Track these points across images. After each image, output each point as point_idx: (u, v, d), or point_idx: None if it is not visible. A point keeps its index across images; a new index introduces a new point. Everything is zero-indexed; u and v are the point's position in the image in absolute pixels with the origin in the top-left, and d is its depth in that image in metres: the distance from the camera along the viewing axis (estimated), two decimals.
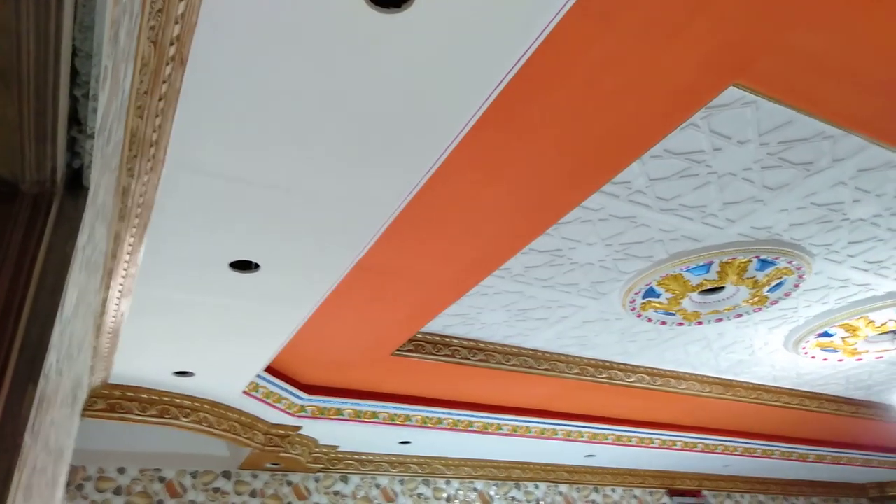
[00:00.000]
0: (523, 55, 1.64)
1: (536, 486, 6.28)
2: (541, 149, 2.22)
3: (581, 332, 4.17)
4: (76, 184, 0.89)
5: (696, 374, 5.05)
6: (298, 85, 1.60)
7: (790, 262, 3.39)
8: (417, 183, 2.04)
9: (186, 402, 3.74)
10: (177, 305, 2.68)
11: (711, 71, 1.96)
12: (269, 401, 4.05)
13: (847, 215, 3.05)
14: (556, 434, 5.24)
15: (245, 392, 3.86)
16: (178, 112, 1.64)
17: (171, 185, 1.92)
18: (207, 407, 3.86)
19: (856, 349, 4.59)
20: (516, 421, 4.99)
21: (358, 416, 4.49)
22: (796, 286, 3.67)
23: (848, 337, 4.37)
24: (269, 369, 3.99)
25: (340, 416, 4.43)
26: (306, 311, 2.85)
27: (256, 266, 2.45)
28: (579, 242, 3.14)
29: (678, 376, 4.97)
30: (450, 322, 3.89)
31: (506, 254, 2.86)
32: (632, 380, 4.78)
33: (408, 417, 4.63)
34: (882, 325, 4.21)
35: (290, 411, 4.21)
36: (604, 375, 4.67)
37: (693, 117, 2.35)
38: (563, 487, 6.44)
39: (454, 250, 2.77)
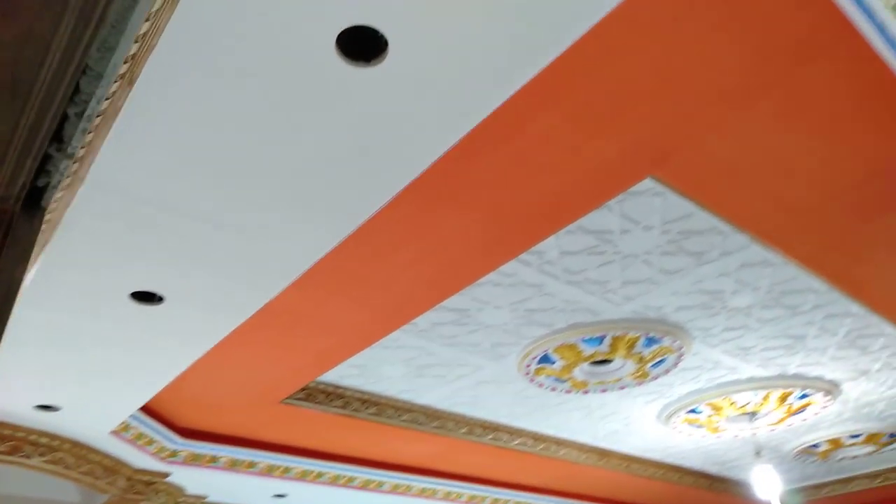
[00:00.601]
0: (472, 126, 1.72)
1: None
2: (468, 213, 2.28)
3: (475, 392, 4.21)
4: (34, 203, 0.81)
5: (574, 441, 5.22)
6: (250, 119, 1.56)
7: (673, 342, 3.66)
8: (349, 232, 2.03)
9: (44, 440, 3.36)
10: (60, 332, 2.44)
11: (633, 162, 2.13)
12: (139, 443, 3.73)
13: (726, 304, 3.35)
14: (436, 494, 5.19)
15: (113, 432, 3.53)
16: (113, 131, 1.54)
17: (85, 204, 1.79)
18: (67, 446, 3.48)
19: (718, 427, 4.97)
20: (398, 478, 4.90)
21: (234, 465, 4.22)
22: (675, 364, 3.95)
23: (713, 415, 4.72)
24: (144, 408, 3.69)
25: (215, 464, 4.15)
26: (202, 350, 2.69)
27: (160, 298, 2.30)
28: (487, 304, 3.22)
29: (559, 442, 5.12)
30: (347, 372, 3.81)
31: (419, 308, 2.88)
32: (515, 442, 4.87)
33: (287, 469, 4.42)
34: (742, 406, 4.60)
35: (161, 456, 3.90)
36: (490, 437, 4.72)
37: (609, 200, 2.53)
38: None
39: (369, 300, 2.75)
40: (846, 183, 2.23)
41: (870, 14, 1.52)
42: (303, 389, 3.82)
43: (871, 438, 5.41)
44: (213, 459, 4.13)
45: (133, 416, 3.61)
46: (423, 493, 5.12)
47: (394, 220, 2.27)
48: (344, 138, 1.63)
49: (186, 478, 4.25)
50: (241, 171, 1.73)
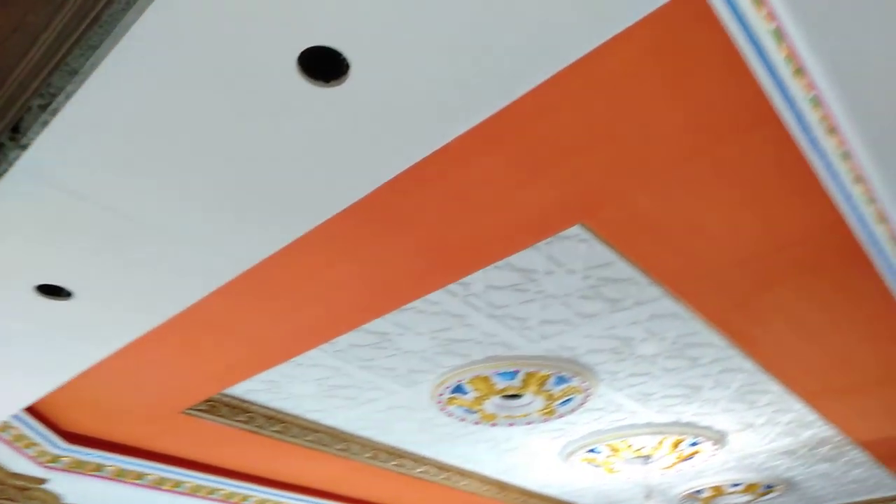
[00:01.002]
0: (420, 157, 1.75)
1: None
2: (403, 240, 2.31)
3: (384, 417, 4.19)
4: None
5: (477, 473, 5.27)
6: (199, 126, 1.53)
7: (582, 383, 3.79)
8: (279, 248, 2.00)
9: None
10: None
11: (565, 209, 2.22)
12: (18, 445, 3.46)
13: (634, 351, 3.51)
14: None
15: None
16: (55, 119, 1.46)
17: (7, 188, 1.68)
18: None
19: (613, 468, 5.15)
20: (296, 499, 4.76)
21: (121, 475, 3.98)
22: (581, 404, 4.08)
23: (610, 456, 4.90)
24: (29, 408, 3.43)
25: (99, 473, 3.91)
26: (107, 351, 2.55)
27: (68, 293, 2.17)
28: (409, 330, 3.23)
29: (462, 472, 5.15)
30: (256, 387, 3.70)
31: (342, 328, 2.85)
32: (419, 470, 4.86)
33: (179, 483, 4.21)
34: (638, 449, 4.80)
35: (40, 460, 3.62)
36: (394, 462, 4.69)
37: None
38: None
39: (291, 315, 2.70)
40: (754, 252, 2.42)
41: (790, 103, 1.67)
42: (207, 401, 3.68)
43: (750, 488, 5.76)
44: (99, 468, 3.88)
45: (15, 416, 3.35)
46: None
47: (328, 238, 2.26)
48: (293, 155, 1.62)
49: (66, 486, 3.95)
50: (179, 174, 1.68)
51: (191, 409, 3.61)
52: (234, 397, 3.80)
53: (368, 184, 1.76)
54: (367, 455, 4.53)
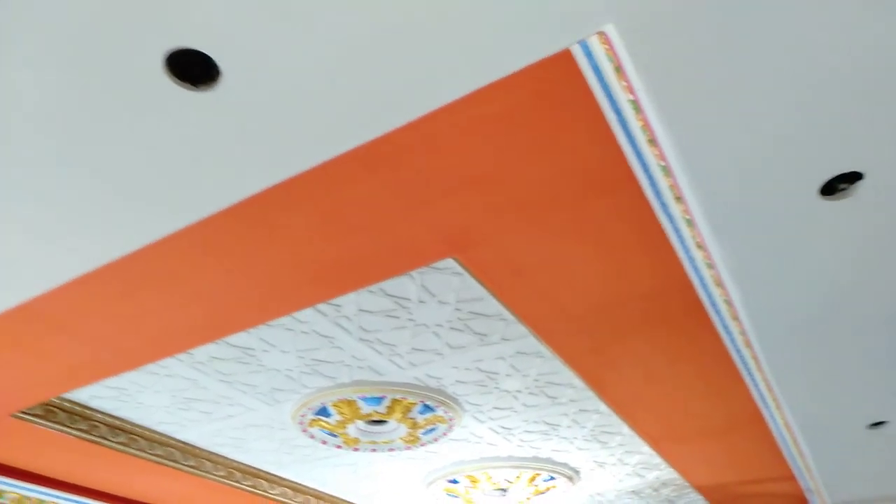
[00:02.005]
0: (287, 175, 1.73)
1: None
2: (275, 254, 2.25)
3: (241, 434, 4.02)
4: None
5: (335, 497, 5.16)
6: (58, 116, 1.43)
7: (446, 413, 3.83)
8: (128, 252, 1.90)
9: None
10: None
11: (439, 242, 2.26)
12: None
13: (498, 385, 3.60)
14: None
15: None
16: None
17: None
18: None
19: (472, 499, 5.22)
20: None
21: None
22: (445, 434, 4.12)
23: (470, 487, 4.96)
24: None
25: None
26: None
27: None
28: (274, 347, 3.14)
29: (318, 496, 5.03)
30: (101, 393, 3.44)
31: (203, 338, 2.72)
32: (275, 492, 4.69)
33: (1, 493, 3.81)
34: (497, 482, 4.90)
35: None
36: (249, 483, 4.51)
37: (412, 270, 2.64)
38: None
39: (147, 319, 2.55)
40: (610, 301, 2.57)
41: (646, 168, 1.81)
42: (43, 405, 3.38)
43: None
44: None
45: None
46: None
47: (192, 242, 2.16)
48: (154, 158, 1.55)
49: None
50: (27, 164, 1.56)
51: (22, 412, 3.30)
52: (76, 403, 3.52)
53: (237, 192, 1.71)
54: (221, 473, 4.32)
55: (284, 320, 2.92)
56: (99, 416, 3.62)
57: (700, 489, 4.87)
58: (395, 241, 2.23)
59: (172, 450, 4.00)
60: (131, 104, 1.43)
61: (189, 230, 1.87)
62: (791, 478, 4.47)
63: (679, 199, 1.80)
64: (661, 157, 1.64)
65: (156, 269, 2.20)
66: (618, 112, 1.63)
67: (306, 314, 2.89)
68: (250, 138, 1.55)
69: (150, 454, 3.89)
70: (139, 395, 3.50)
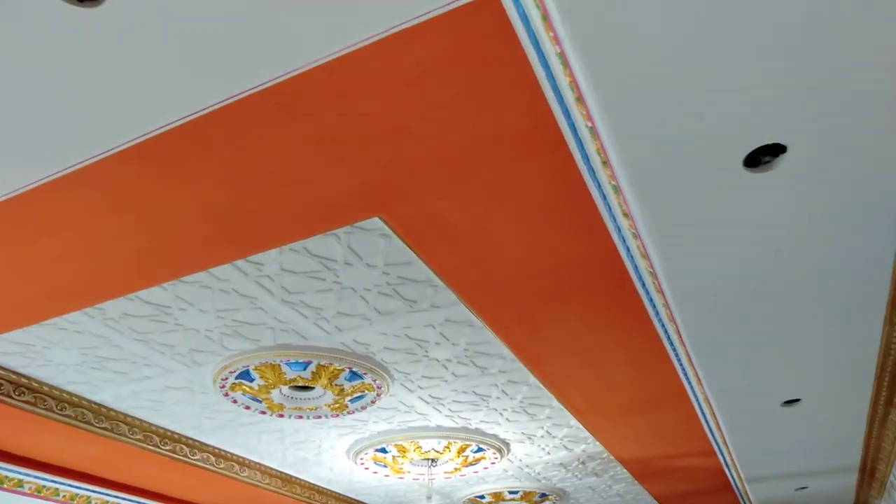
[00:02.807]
0: (202, 110, 1.60)
1: None
2: (186, 203, 2.11)
3: (160, 397, 3.86)
4: None
5: (261, 464, 5.06)
6: None
7: (374, 380, 3.76)
8: (23, 189, 1.74)
9: None
10: None
11: (363, 199, 2.17)
12: None
13: (427, 354, 3.55)
14: (90, 502, 4.60)
15: None
16: None
17: None
18: None
19: (401, 468, 5.20)
20: (44, 480, 4.25)
21: None
22: (373, 402, 4.06)
23: (398, 456, 4.94)
24: None
25: None
26: None
27: None
28: (192, 306, 3.00)
29: (243, 462, 4.91)
30: (4, 349, 3.23)
31: (111, 292, 2.56)
32: (196, 457, 4.56)
33: None
34: (426, 451, 4.88)
35: None
36: (168, 447, 4.35)
37: (337, 230, 2.54)
38: None
39: (42, 270, 2.37)
40: (538, 270, 2.53)
41: (574, 130, 1.75)
42: None
43: (527, 496, 6.11)
44: None
45: None
46: (73, 499, 4.49)
47: (94, 185, 2.00)
48: (34, 85, 1.40)
49: None
50: None
51: None
52: None
53: (132, 130, 1.57)
54: (138, 437, 4.15)
55: (201, 277, 2.77)
56: (2, 373, 3.40)
57: (624, 462, 4.98)
58: (315, 195, 2.13)
59: (84, 411, 3.81)
60: (8, 21, 1.28)
61: (82, 171, 1.72)
62: (711, 453, 4.61)
63: (606, 163, 1.75)
64: (589, 117, 1.58)
65: (46, 214, 2.03)
66: (546, 66, 1.56)
67: (225, 272, 2.75)
68: (143, 67, 1.42)
69: (60, 415, 3.70)
70: (47, 353, 3.30)
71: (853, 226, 2.01)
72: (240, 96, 1.61)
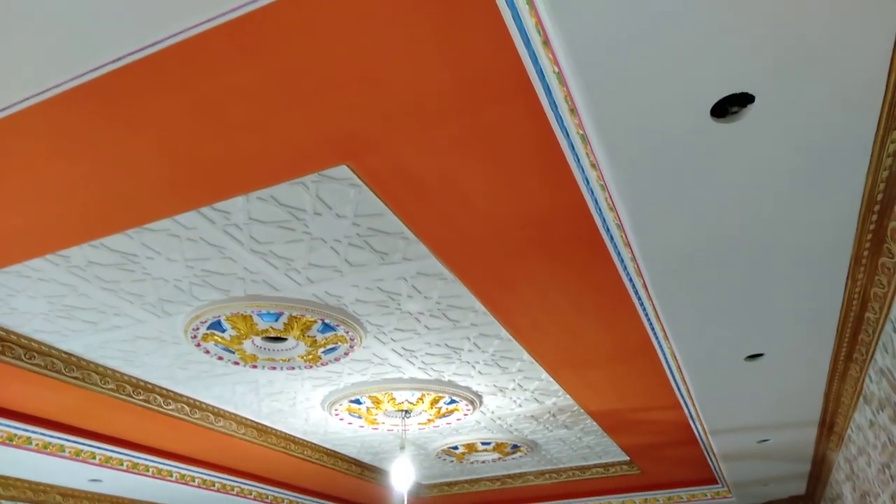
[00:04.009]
0: (156, 44, 1.54)
1: None
2: (146, 147, 2.06)
3: (131, 347, 3.85)
4: None
5: (235, 415, 5.10)
6: None
7: (347, 332, 3.77)
8: None
9: None
10: None
11: (331, 145, 2.13)
12: None
13: (400, 306, 3.56)
14: (63, 451, 4.62)
15: None
16: None
17: None
18: None
19: (375, 419, 5.28)
20: (15, 428, 4.24)
21: None
22: (346, 354, 4.08)
23: (372, 407, 5.00)
24: None
25: None
26: None
27: None
28: (159, 254, 2.96)
29: (218, 413, 4.94)
30: None
31: (67, 240, 2.52)
32: (170, 407, 4.57)
33: None
34: (400, 403, 4.95)
35: None
36: (142, 397, 4.36)
37: (305, 178, 2.50)
38: None
39: None
40: (508, 224, 2.52)
41: (542, 76, 1.72)
42: None
43: (499, 447, 6.25)
44: None
45: None
46: (46, 447, 4.51)
47: (48, 127, 1.94)
48: None
49: None
50: None
51: None
52: None
53: (80, 64, 1.51)
54: (110, 387, 4.15)
55: (167, 225, 2.73)
56: None
57: (593, 415, 5.09)
58: (282, 141, 2.08)
59: (54, 360, 3.79)
60: None
61: (31, 110, 1.66)
62: (677, 406, 4.72)
63: (573, 111, 1.73)
64: (555, 61, 1.55)
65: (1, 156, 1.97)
66: (512, 6, 1.52)
67: (191, 219, 2.71)
68: None
69: (29, 363, 3.67)
70: (11, 300, 3.25)
71: (820, 181, 2.01)
72: (198, 29, 1.55)
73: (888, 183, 2.03)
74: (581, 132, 1.81)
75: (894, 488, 3.34)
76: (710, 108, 1.68)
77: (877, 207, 2.14)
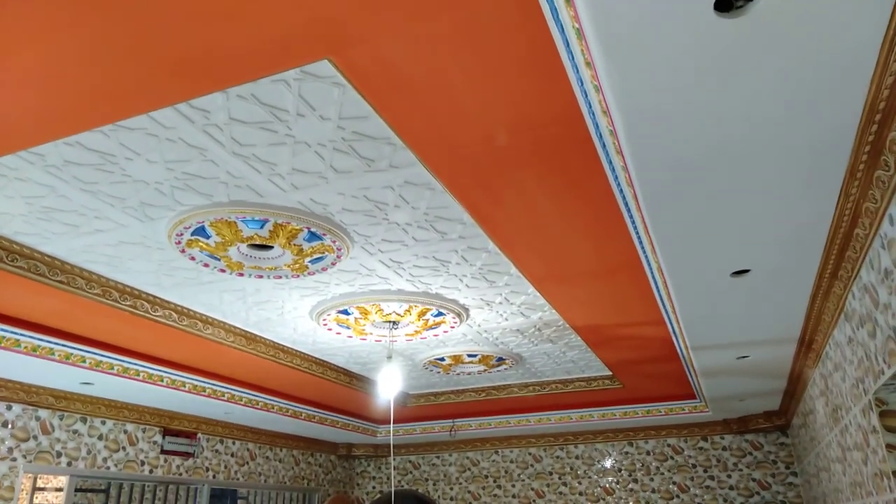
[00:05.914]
0: None
1: (9, 407, 5.47)
2: (114, 37, 1.93)
3: (115, 252, 3.81)
4: None
5: (224, 322, 5.14)
6: None
7: (334, 242, 3.74)
8: None
9: None
10: None
11: (308, 37, 2.00)
12: None
13: (387, 216, 3.51)
14: (53, 354, 4.66)
15: None
16: None
17: None
18: None
19: (363, 330, 5.34)
20: (2, 331, 4.26)
21: None
22: (333, 264, 4.07)
23: (360, 318, 5.04)
24: None
25: None
26: None
27: None
28: (139, 155, 2.86)
29: (206, 320, 4.98)
30: None
31: (38, 135, 2.41)
32: (158, 314, 4.59)
33: None
34: (387, 314, 4.99)
35: None
36: (128, 303, 4.37)
37: (286, 75, 2.39)
38: (44, 413, 5.77)
39: None
40: (499, 128, 2.43)
41: None
42: None
43: (485, 359, 6.38)
44: None
45: None
46: (35, 349, 4.54)
47: (9, 17, 1.81)
48: None
49: None
50: None
51: None
52: None
53: None
54: (96, 292, 4.14)
55: (145, 123, 2.63)
56: None
57: (578, 330, 5.16)
58: (259, 31, 1.95)
59: (37, 263, 3.75)
60: None
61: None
62: (661, 322, 4.79)
63: (569, 2, 1.62)
64: None
65: None
66: None
67: (169, 118, 2.61)
68: None
69: (12, 266, 3.63)
70: None
71: (821, 87, 1.93)
72: None
73: (892, 91, 1.95)
74: (577, 26, 1.70)
75: (865, 402, 3.44)
76: (714, 1, 1.57)
77: (878, 117, 2.07)
